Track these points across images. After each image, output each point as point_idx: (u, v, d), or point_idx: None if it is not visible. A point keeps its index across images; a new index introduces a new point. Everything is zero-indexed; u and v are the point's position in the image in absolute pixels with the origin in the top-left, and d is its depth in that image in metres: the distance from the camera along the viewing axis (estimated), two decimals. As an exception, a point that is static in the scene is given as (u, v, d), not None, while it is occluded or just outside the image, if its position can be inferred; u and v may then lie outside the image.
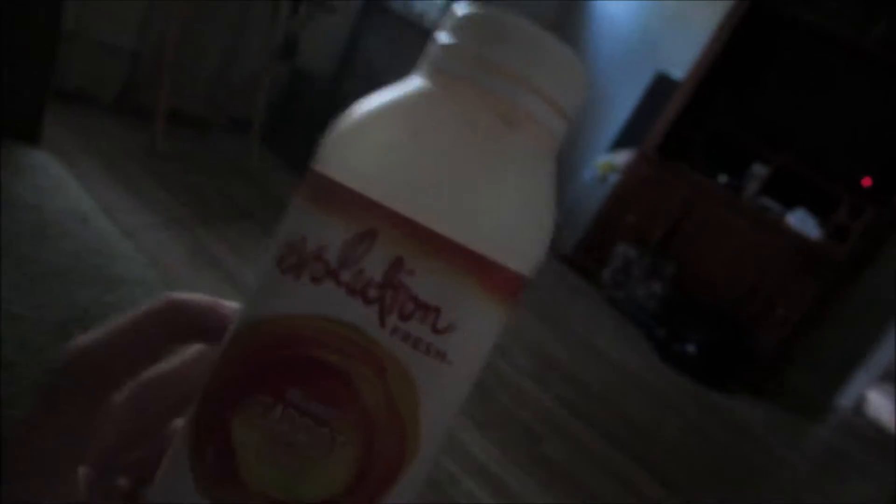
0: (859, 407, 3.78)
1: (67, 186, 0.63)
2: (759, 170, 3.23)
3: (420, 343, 0.18)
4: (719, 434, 2.54)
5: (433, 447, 0.19)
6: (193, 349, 0.23)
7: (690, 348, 2.90)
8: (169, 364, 0.22)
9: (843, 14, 3.06)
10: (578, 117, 0.21)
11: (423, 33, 2.71)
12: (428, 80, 0.19)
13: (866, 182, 3.04)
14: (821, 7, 3.10)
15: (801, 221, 3.10)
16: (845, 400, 3.48)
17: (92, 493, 0.21)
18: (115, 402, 0.21)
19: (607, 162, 3.55)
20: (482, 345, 0.19)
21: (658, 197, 3.32)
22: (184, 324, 0.21)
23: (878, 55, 2.99)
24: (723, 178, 3.30)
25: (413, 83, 0.20)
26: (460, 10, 0.19)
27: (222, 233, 2.03)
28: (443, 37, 0.20)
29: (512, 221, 0.18)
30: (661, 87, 3.56)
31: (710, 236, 3.22)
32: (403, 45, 2.85)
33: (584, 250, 3.50)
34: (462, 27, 0.19)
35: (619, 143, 3.70)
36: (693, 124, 3.38)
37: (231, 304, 0.21)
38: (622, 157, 3.50)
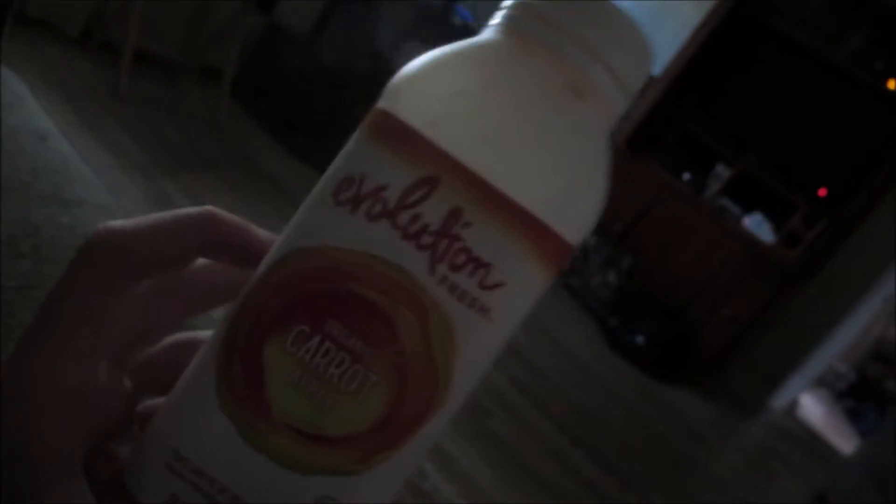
0: (791, 409, 3.94)
1: (26, 103, 0.61)
2: (722, 171, 3.30)
3: (466, 296, 0.18)
4: (659, 423, 2.62)
5: (459, 402, 0.19)
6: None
7: (639, 340, 2.97)
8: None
9: (818, 28, 3.13)
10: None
11: None
12: (504, 35, 0.19)
13: (822, 192, 3.14)
14: (798, 19, 3.16)
15: (756, 225, 3.18)
16: (779, 401, 3.62)
17: (111, 390, 0.20)
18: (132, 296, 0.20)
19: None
20: (523, 309, 0.19)
21: (623, 189, 3.37)
22: (217, 237, 0.21)
23: (847, 71, 3.08)
24: (686, 176, 3.36)
25: (489, 34, 0.20)
26: None
27: (184, 182, 1.98)
28: None
29: (571, 191, 0.19)
30: (636, 81, 3.59)
31: (669, 232, 3.29)
32: (384, 9, 2.80)
33: (545, 235, 3.53)
34: None
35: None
36: (663, 121, 3.43)
37: (263, 231, 0.21)
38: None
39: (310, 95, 2.67)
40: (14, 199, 0.49)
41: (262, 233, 0.21)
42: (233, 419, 0.18)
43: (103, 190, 0.58)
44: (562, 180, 0.18)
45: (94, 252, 0.19)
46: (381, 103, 0.19)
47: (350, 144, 0.19)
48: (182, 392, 0.19)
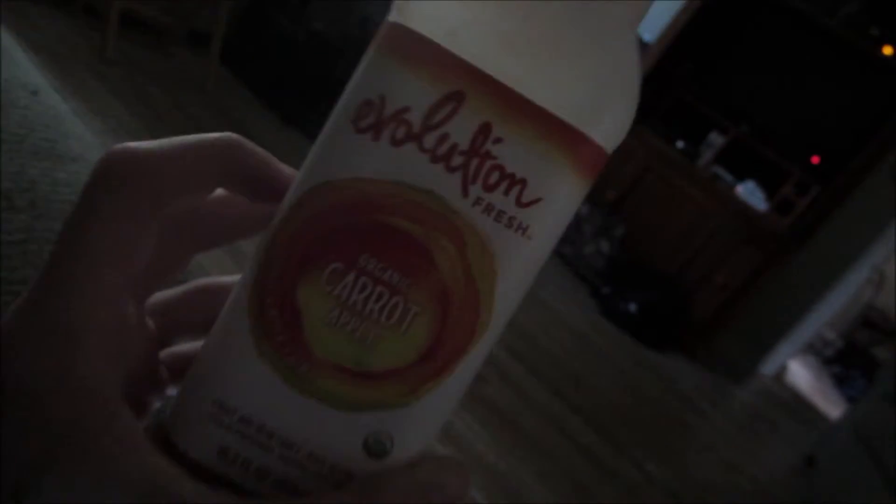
0: (780, 375, 3.99)
1: (17, 56, 0.59)
2: (716, 139, 3.29)
3: (503, 216, 0.17)
4: (651, 389, 2.65)
5: (502, 324, 0.19)
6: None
7: (632, 307, 2.99)
8: None
9: (815, -7, 3.09)
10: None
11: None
12: None
13: (815, 160, 3.14)
14: (794, -16, 3.12)
15: (749, 193, 3.19)
16: (768, 367, 3.67)
17: (139, 331, 0.18)
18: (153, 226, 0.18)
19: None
20: (562, 222, 0.19)
21: (616, 157, 3.33)
22: (240, 167, 0.19)
23: (842, 37, 3.05)
24: (680, 144, 3.35)
25: None
26: None
27: (174, 148, 1.96)
28: None
29: (603, 94, 0.18)
30: (630, 47, 3.56)
31: (662, 200, 3.29)
32: (377, -27, 2.75)
33: (539, 204, 3.52)
34: None
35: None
36: (657, 88, 3.40)
37: (285, 166, 0.20)
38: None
39: (300, 61, 2.62)
40: (7, 152, 0.47)
41: (284, 167, 0.20)
42: (274, 366, 0.18)
43: (98, 147, 0.57)
44: (592, 83, 0.17)
45: (115, 175, 0.17)
46: (393, 16, 0.18)
47: (363, 65, 0.18)
48: (218, 341, 0.19)
